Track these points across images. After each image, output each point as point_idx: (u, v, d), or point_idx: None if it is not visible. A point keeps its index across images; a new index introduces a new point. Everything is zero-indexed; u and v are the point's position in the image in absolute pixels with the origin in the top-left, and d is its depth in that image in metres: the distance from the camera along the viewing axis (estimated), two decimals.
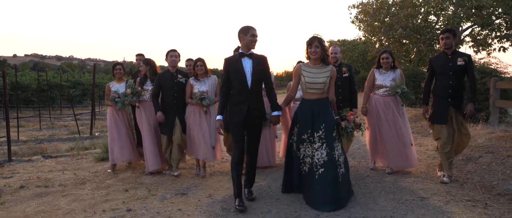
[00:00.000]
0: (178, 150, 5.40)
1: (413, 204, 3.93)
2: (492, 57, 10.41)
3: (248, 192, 4.24)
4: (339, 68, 5.36)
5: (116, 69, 6.03)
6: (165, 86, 5.37)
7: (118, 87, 5.89)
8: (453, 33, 4.78)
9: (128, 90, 5.57)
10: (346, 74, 5.37)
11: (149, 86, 5.62)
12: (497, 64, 10.09)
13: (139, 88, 5.61)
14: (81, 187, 4.96)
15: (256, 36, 3.99)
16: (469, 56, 4.78)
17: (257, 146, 4.17)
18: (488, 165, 5.11)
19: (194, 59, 5.76)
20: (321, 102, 4.04)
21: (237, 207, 3.87)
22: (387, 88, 5.27)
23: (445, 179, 4.72)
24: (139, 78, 5.79)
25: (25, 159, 7.50)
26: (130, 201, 4.29)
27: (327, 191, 3.82)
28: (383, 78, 5.33)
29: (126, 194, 4.58)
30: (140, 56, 6.45)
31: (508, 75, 9.83)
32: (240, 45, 5.25)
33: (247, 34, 3.94)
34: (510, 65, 11.34)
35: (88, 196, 4.56)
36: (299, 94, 5.24)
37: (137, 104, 5.65)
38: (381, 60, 5.37)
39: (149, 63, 5.71)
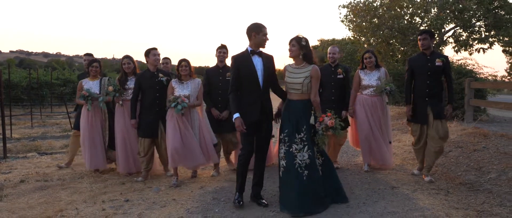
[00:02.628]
0: (166, 153, 5.13)
1: (385, 192, 4.40)
2: (470, 58, 10.93)
3: (259, 198, 4.11)
4: (335, 69, 5.52)
5: (92, 66, 5.66)
6: (146, 86, 5.15)
7: (91, 85, 5.60)
8: (430, 35, 4.92)
9: (110, 88, 5.32)
10: (341, 76, 5.48)
11: (131, 85, 5.37)
12: (473, 65, 10.63)
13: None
14: (79, 181, 5.27)
15: (267, 35, 3.97)
16: (446, 57, 4.95)
17: (267, 146, 4.12)
18: (456, 158, 5.59)
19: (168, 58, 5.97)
20: (302, 104, 3.95)
21: (235, 201, 4.00)
22: (374, 88, 5.37)
23: (414, 171, 5.18)
24: (117, 77, 5.59)
25: (20, 156, 7.73)
26: (127, 193, 4.65)
27: (307, 194, 3.79)
28: (369, 78, 5.43)
29: (123, 187, 4.92)
30: (88, 55, 6.26)
31: (483, 76, 10.37)
32: (222, 47, 5.45)
33: (260, 33, 3.90)
34: (485, 66, 11.87)
35: (87, 188, 4.88)
36: None
37: (120, 102, 5.40)
38: (365, 60, 5.49)
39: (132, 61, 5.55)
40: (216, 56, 5.50)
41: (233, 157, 5.83)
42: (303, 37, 3.95)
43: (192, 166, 5.06)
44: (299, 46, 3.94)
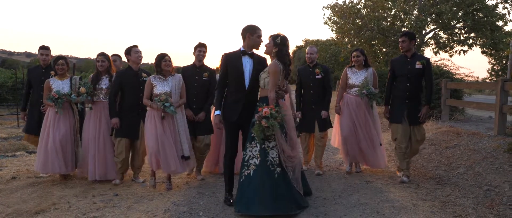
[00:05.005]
0: (142, 156, 5.12)
1: (360, 186, 4.74)
2: (446, 60, 11.36)
3: None
4: (313, 69, 5.44)
5: (58, 64, 5.18)
6: (128, 85, 4.96)
7: (60, 85, 5.12)
8: (409, 37, 4.90)
9: (83, 89, 4.97)
10: (319, 76, 5.38)
11: (103, 85, 5.16)
12: (450, 66, 11.05)
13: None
14: (69, 178, 5.40)
15: (261, 37, 4.04)
16: (427, 59, 4.97)
17: None
18: (429, 155, 5.95)
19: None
20: (262, 100, 3.95)
21: (225, 200, 4.12)
22: (358, 87, 5.34)
23: (404, 178, 4.92)
24: (91, 75, 5.32)
25: (9, 155, 7.84)
26: (116, 188, 4.86)
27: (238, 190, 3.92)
28: (355, 77, 5.39)
29: (112, 182, 5.11)
30: (44, 49, 5.60)
31: (459, 77, 10.80)
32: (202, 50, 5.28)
33: (254, 34, 3.97)
34: (461, 67, 12.36)
35: (76, 184, 5.06)
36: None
37: (90, 105, 5.09)
38: (353, 59, 5.46)
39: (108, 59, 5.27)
40: (194, 54, 5.30)
41: (206, 161, 5.54)
42: (280, 36, 3.96)
43: (169, 171, 4.69)
44: (273, 43, 3.97)
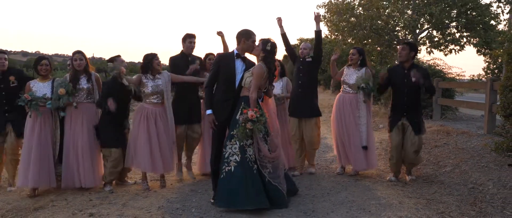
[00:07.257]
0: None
1: (348, 184, 4.89)
2: (438, 59, 11.51)
3: None
4: (304, 58, 5.38)
5: (41, 64, 4.77)
6: (116, 95, 4.67)
7: (40, 87, 4.72)
8: (410, 47, 4.84)
9: (62, 90, 4.55)
10: (309, 59, 5.36)
11: (84, 84, 4.78)
12: (442, 66, 11.17)
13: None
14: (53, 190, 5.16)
15: (255, 42, 4.15)
16: (425, 70, 4.91)
17: None
18: None
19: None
20: (243, 99, 4.04)
21: (211, 199, 4.20)
22: (348, 85, 5.29)
23: (392, 177, 5.01)
24: (67, 75, 4.91)
25: None
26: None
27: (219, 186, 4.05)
28: (347, 75, 5.33)
29: (105, 190, 5.11)
30: (1, 53, 4.96)
31: (451, 76, 10.93)
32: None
33: (249, 39, 4.08)
34: (453, 66, 12.53)
35: None
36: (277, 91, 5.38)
37: (74, 104, 4.68)
38: (348, 56, 5.40)
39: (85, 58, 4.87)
40: (183, 46, 5.18)
41: (198, 160, 5.55)
42: (270, 42, 4.08)
43: (168, 171, 4.84)
44: (262, 47, 4.09)
